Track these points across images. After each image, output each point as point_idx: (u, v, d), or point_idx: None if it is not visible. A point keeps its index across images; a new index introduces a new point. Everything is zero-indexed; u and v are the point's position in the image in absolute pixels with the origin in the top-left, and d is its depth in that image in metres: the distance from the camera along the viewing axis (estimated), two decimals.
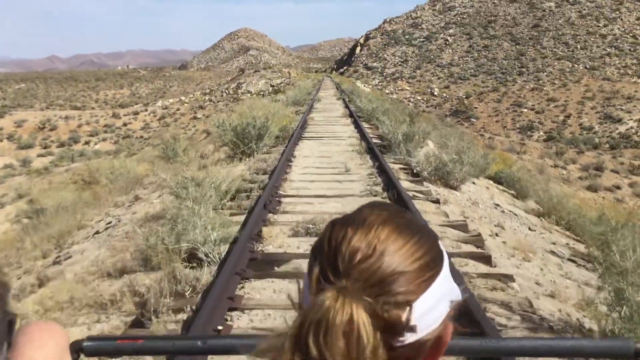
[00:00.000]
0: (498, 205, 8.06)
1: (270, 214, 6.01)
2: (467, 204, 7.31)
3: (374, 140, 12.09)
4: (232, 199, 6.59)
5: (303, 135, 13.58)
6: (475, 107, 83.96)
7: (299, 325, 0.69)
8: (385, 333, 0.69)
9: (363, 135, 12.70)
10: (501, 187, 11.96)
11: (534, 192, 10.78)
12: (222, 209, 6.10)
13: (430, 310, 0.73)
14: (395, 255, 0.73)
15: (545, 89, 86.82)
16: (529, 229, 7.01)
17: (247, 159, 9.75)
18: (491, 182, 12.18)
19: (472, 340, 1.30)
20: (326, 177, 8.55)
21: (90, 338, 1.19)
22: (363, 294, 0.69)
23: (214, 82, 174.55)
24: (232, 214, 5.94)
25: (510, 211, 7.93)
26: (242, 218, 5.70)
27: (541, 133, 73.91)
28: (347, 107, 23.06)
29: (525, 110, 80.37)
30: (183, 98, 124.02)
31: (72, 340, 0.87)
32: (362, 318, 0.67)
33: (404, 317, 0.69)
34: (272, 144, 11.25)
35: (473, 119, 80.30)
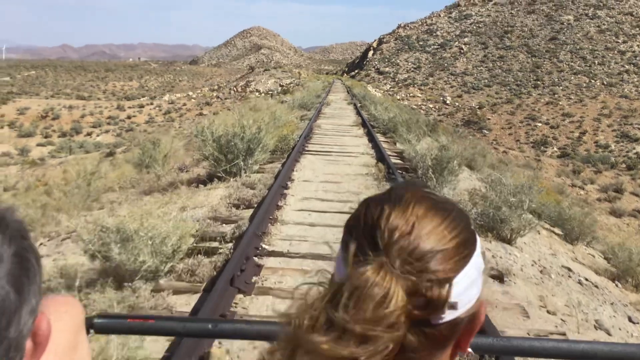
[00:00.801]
0: (569, 270, 5.77)
1: (241, 295, 3.74)
2: (536, 274, 5.04)
3: (394, 161, 9.84)
4: (189, 255, 4.32)
5: (306, 149, 11.37)
6: (488, 119, 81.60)
7: (334, 291, 0.70)
8: (425, 310, 0.70)
9: (380, 154, 10.47)
10: (546, 225, 9.61)
11: (592, 237, 8.46)
12: (162, 276, 3.82)
13: (468, 288, 0.74)
14: (433, 232, 0.74)
15: (560, 103, 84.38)
16: (630, 319, 4.72)
17: (231, 178, 7.52)
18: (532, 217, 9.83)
19: (484, 338, 1.31)
20: (333, 216, 6.32)
21: (100, 315, 1.19)
22: (403, 270, 0.70)
23: (223, 79, 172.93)
24: (175, 292, 3.66)
25: (587, 280, 5.64)
26: (188, 306, 3.43)
27: (555, 149, 71.52)
28: (359, 114, 20.78)
29: (540, 124, 77.94)
30: (190, 93, 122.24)
31: (84, 317, 0.85)
32: (398, 294, 0.68)
33: (444, 293, 0.70)
34: (266, 159, 8.98)
35: (485, 131, 77.91)
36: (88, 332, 1.05)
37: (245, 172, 7.66)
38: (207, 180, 7.58)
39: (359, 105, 26.18)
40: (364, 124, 16.99)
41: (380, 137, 13.57)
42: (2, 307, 0.57)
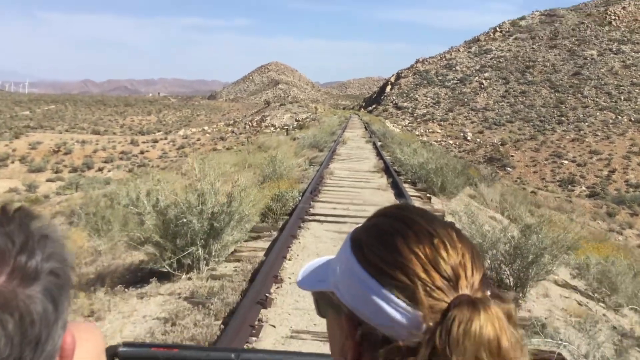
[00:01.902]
0: None
1: None
2: None
3: None
4: None
5: (311, 211, 8.54)
6: (512, 155, 78.45)
7: (439, 345, 0.67)
8: (514, 324, 0.71)
9: None
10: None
11: None
12: None
13: None
14: (476, 255, 0.76)
15: (587, 140, 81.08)
16: None
17: (184, 274, 4.73)
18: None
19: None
20: None
21: (125, 344, 1.20)
22: (490, 299, 0.70)
23: (240, 114, 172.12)
24: None
25: None
26: None
27: (583, 187, 68.04)
28: (379, 155, 17.98)
29: (566, 161, 74.61)
30: (206, 128, 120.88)
31: (108, 345, 0.84)
32: (504, 320, 0.68)
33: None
34: (249, 233, 6.15)
35: (509, 168, 74.71)
36: None
37: (207, 264, 4.90)
38: (146, 275, 4.84)
39: (378, 143, 23.37)
40: (387, 170, 14.11)
41: (410, 190, 10.73)
42: (44, 321, 0.59)
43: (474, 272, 0.74)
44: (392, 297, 0.73)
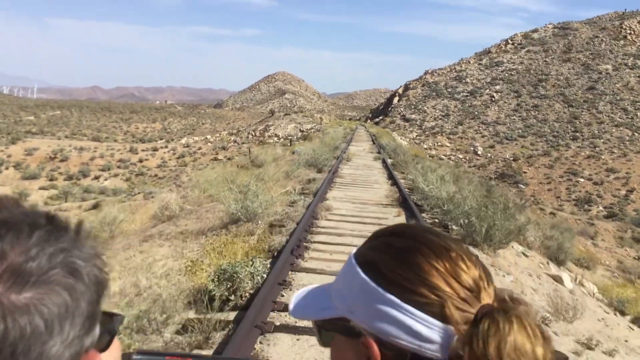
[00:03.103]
0: None
1: None
2: None
3: None
4: None
5: (282, 295, 5.21)
6: (524, 172, 75.02)
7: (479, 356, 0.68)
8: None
9: None
10: None
11: None
12: None
13: None
14: (483, 265, 0.79)
15: (603, 157, 77.61)
16: None
17: None
18: None
19: None
20: None
21: (139, 352, 1.18)
22: (512, 308, 0.72)
23: (245, 122, 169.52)
24: None
25: None
26: None
27: (601, 207, 64.50)
28: (392, 178, 14.58)
29: (582, 179, 71.13)
30: (209, 137, 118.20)
31: (122, 353, 0.84)
32: (534, 326, 0.70)
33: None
34: None
35: (522, 185, 71.29)
36: None
37: None
38: None
39: (389, 161, 19.95)
40: (404, 203, 10.59)
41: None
42: (24, 338, 0.54)
43: (489, 282, 0.77)
44: (419, 313, 0.73)
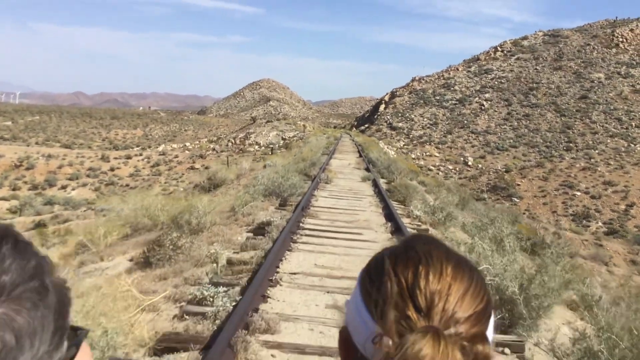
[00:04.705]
0: None
1: None
2: None
3: None
4: None
5: None
6: (518, 184, 71.00)
7: None
8: None
9: None
10: None
11: None
12: None
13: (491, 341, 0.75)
14: (468, 293, 0.74)
15: (599, 169, 73.89)
16: None
17: None
18: None
19: None
20: None
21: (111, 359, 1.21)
22: (457, 335, 0.69)
23: (228, 129, 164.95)
24: None
25: None
26: None
27: (600, 224, 60.58)
28: (394, 220, 9.64)
29: (578, 193, 67.23)
30: (188, 144, 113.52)
31: None
32: (453, 356, 0.67)
33: (489, 350, 0.70)
34: None
35: (515, 199, 67.30)
36: None
37: None
38: None
39: (383, 186, 15.01)
40: None
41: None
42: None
43: (459, 306, 0.73)
44: (369, 317, 0.74)
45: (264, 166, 22.87)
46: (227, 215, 9.46)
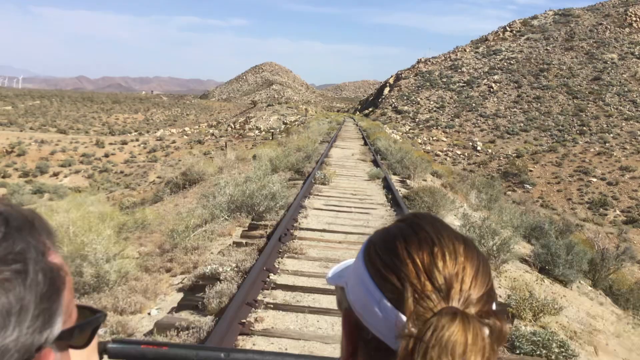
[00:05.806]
0: None
1: None
2: None
3: None
4: None
5: None
6: (530, 170, 67.54)
7: (411, 350, 0.68)
8: (498, 345, 0.70)
9: None
10: None
11: None
12: None
13: None
14: (479, 273, 0.75)
15: (614, 154, 70.35)
16: None
17: None
18: None
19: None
20: None
21: (115, 340, 1.21)
22: (478, 314, 0.70)
23: (230, 114, 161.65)
24: None
25: None
26: None
27: (617, 212, 57.19)
28: None
29: (594, 179, 63.77)
30: (187, 129, 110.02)
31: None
32: (487, 338, 0.68)
33: (508, 325, 0.72)
34: None
35: (528, 185, 63.86)
36: (101, 357, 1.03)
37: None
38: None
39: (397, 185, 11.31)
40: None
41: None
42: None
43: (473, 287, 0.74)
44: (384, 299, 0.74)
45: (253, 157, 19.63)
46: (162, 250, 6.15)
